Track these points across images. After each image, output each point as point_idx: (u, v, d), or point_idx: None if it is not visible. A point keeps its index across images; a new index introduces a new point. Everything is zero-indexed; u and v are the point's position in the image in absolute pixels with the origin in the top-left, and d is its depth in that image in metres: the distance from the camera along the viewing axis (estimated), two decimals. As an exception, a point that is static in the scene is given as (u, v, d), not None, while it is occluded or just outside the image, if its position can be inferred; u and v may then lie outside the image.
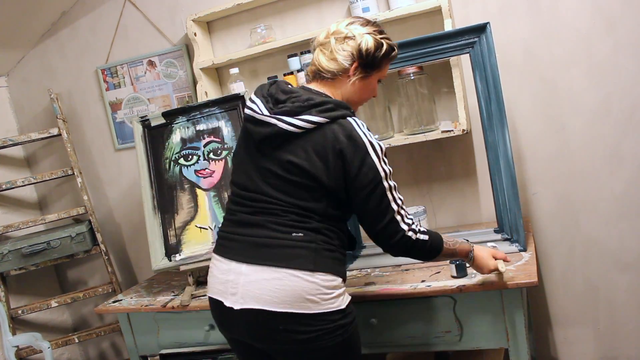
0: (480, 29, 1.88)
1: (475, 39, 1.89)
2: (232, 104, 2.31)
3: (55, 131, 2.83)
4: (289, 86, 1.56)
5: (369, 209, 1.49)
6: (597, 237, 2.22)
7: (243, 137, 1.60)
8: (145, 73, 2.78)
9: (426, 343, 1.81)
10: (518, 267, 1.75)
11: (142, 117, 2.35)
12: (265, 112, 1.49)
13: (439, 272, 1.85)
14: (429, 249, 1.55)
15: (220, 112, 2.31)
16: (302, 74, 2.34)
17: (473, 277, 1.74)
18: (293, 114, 1.46)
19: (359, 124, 1.48)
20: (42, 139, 2.87)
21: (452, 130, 2.13)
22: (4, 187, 2.79)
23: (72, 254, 2.81)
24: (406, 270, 1.95)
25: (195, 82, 2.60)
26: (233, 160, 1.66)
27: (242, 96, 2.29)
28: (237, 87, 2.40)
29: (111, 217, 3.03)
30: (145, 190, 2.27)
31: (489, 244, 1.93)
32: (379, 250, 2.07)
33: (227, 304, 1.48)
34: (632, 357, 2.27)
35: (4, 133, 3.01)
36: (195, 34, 2.49)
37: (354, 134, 1.46)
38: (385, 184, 1.47)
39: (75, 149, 2.92)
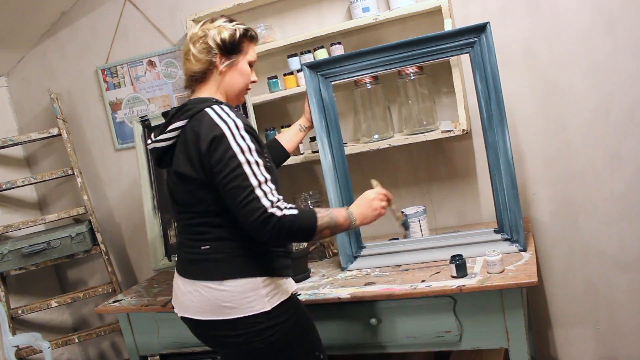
0: (480, 29, 1.88)
1: (475, 39, 1.89)
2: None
3: (55, 131, 2.83)
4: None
5: (228, 189, 1.43)
6: (597, 237, 2.22)
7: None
8: (145, 73, 2.78)
9: (426, 343, 1.81)
10: (518, 267, 1.75)
11: (142, 117, 2.35)
12: (150, 140, 1.63)
13: (438, 272, 1.85)
14: (301, 226, 1.45)
15: (220, 112, 2.31)
16: (302, 74, 2.34)
17: (473, 277, 1.74)
18: (163, 130, 1.57)
19: (215, 110, 1.50)
20: (42, 139, 2.87)
21: (452, 130, 2.13)
22: (4, 187, 2.79)
23: (72, 254, 2.81)
24: (406, 270, 1.95)
25: (195, 82, 2.60)
26: None
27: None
28: (237, 87, 2.40)
29: (111, 217, 3.03)
30: (145, 190, 2.27)
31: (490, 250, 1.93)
32: (379, 250, 2.09)
33: (176, 310, 1.67)
34: (632, 357, 2.26)
35: (4, 133, 3.01)
36: (195, 34, 2.49)
37: (207, 119, 1.48)
38: (241, 157, 1.43)
39: (75, 149, 2.92)
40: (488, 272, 1.73)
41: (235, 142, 1.44)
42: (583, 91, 2.15)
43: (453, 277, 1.77)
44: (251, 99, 2.34)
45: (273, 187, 1.45)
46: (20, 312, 2.80)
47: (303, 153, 2.40)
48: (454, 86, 2.12)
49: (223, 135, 1.44)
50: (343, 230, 1.57)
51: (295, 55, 2.35)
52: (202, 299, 1.53)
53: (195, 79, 1.60)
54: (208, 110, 1.50)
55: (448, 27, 2.09)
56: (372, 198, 1.61)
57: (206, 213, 1.53)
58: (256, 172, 1.44)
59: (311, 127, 2.06)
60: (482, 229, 2.07)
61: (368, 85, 2.26)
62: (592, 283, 2.27)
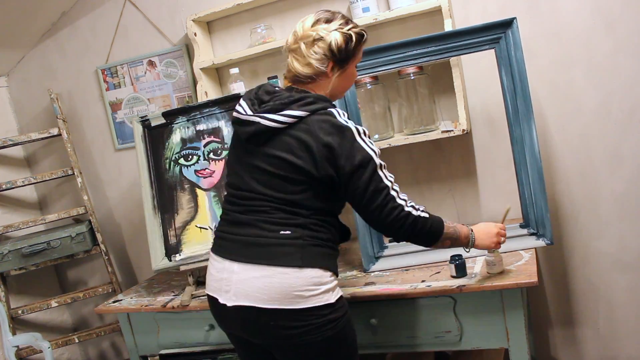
0: (507, 24, 1.89)
1: (501, 34, 1.90)
2: (232, 104, 2.30)
3: (55, 131, 2.83)
4: (274, 87, 1.60)
5: (363, 190, 1.49)
6: (597, 237, 2.22)
7: (233, 140, 1.67)
8: (145, 73, 2.78)
9: (426, 343, 1.81)
10: (518, 267, 1.75)
11: (142, 117, 2.35)
12: (250, 112, 1.55)
13: (439, 272, 1.85)
14: (430, 228, 1.54)
15: (220, 112, 2.31)
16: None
17: (473, 277, 1.74)
18: (275, 111, 1.51)
19: (339, 113, 1.53)
20: (42, 139, 2.87)
21: (452, 130, 2.13)
22: (4, 187, 2.79)
23: (72, 254, 2.81)
24: (406, 270, 1.95)
25: (195, 82, 2.60)
26: (226, 162, 1.72)
27: (242, 96, 2.29)
28: (237, 87, 2.40)
29: (111, 217, 3.03)
30: (145, 190, 2.27)
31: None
32: (402, 249, 2.05)
33: (222, 300, 1.54)
34: (632, 357, 2.27)
35: (4, 133, 3.01)
36: (195, 34, 2.49)
37: (336, 121, 1.50)
38: (377, 161, 1.50)
39: (75, 149, 2.92)
40: (488, 272, 1.74)
41: (369, 148, 1.50)
42: (583, 91, 2.15)
43: (453, 277, 1.77)
44: (251, 99, 2.33)
45: (398, 187, 1.54)
46: (20, 312, 2.80)
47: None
48: (454, 86, 2.12)
49: (359, 142, 1.49)
50: (459, 246, 1.63)
51: (295, 55, 2.35)
52: (273, 285, 1.47)
53: (301, 80, 1.57)
54: (333, 111, 1.52)
55: (448, 27, 2.09)
56: (495, 232, 1.68)
57: (299, 203, 1.51)
58: (387, 175, 1.52)
59: None
60: (507, 225, 2.03)
61: (368, 85, 2.26)
62: (592, 283, 2.27)
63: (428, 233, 1.55)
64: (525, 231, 1.96)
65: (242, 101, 1.61)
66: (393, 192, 1.51)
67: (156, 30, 2.72)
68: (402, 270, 1.96)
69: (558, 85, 2.17)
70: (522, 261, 1.80)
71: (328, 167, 1.48)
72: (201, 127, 2.32)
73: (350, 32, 1.54)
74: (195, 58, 2.52)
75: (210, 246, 1.67)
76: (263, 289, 1.47)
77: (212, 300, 1.59)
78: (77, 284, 3.19)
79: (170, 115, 2.33)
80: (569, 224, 2.25)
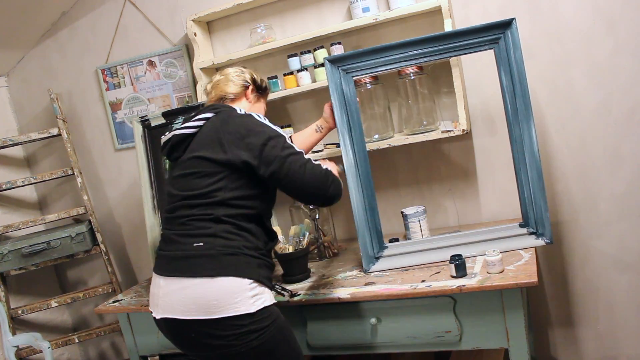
0: (506, 25, 1.89)
1: (500, 35, 1.90)
2: (232, 104, 2.31)
3: (55, 131, 2.83)
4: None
5: (280, 158, 1.58)
6: (597, 237, 2.22)
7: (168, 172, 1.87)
8: (145, 73, 2.78)
9: (426, 343, 1.81)
10: (518, 267, 1.75)
11: (142, 117, 2.35)
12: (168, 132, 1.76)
13: (439, 272, 1.85)
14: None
15: (220, 112, 2.31)
16: (302, 74, 2.34)
17: (473, 277, 1.74)
18: (189, 120, 1.71)
19: (238, 108, 1.73)
20: (42, 139, 2.87)
21: (452, 130, 2.13)
22: (4, 187, 2.79)
23: (72, 254, 2.81)
24: (406, 270, 1.95)
25: (195, 82, 2.60)
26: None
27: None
28: (237, 87, 2.40)
29: (111, 217, 3.03)
30: (145, 190, 2.27)
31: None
32: (402, 249, 2.05)
33: (154, 314, 1.65)
34: (632, 357, 2.27)
35: (4, 133, 3.01)
36: (195, 34, 2.49)
37: (235, 112, 1.70)
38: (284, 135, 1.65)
39: (75, 149, 2.92)
40: (488, 272, 1.74)
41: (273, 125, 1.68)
42: (583, 91, 2.15)
43: (452, 277, 1.77)
44: (251, 99, 2.33)
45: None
46: (20, 312, 2.80)
47: (322, 150, 2.38)
48: (454, 86, 2.12)
49: (259, 123, 1.67)
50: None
51: (295, 55, 2.35)
52: (189, 297, 1.53)
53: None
54: (235, 108, 1.74)
55: (448, 27, 2.09)
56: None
57: (212, 205, 1.58)
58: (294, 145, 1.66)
59: (331, 128, 2.05)
60: (506, 225, 2.03)
61: (368, 85, 2.26)
62: (592, 283, 2.27)
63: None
64: (524, 230, 1.96)
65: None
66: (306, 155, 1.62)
67: (156, 30, 2.72)
68: (402, 270, 1.95)
69: (558, 85, 2.17)
70: (522, 261, 1.80)
71: (238, 148, 1.59)
72: (201, 127, 2.32)
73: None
74: (195, 58, 2.52)
75: None
76: (181, 300, 1.54)
77: (151, 315, 1.68)
78: (77, 284, 3.19)
79: (170, 115, 2.33)
80: (569, 223, 2.25)
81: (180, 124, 1.82)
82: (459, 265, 1.76)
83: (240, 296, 1.52)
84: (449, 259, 1.80)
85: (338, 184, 1.64)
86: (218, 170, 1.59)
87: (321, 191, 1.59)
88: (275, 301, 1.64)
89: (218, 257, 1.54)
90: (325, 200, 1.62)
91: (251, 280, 1.55)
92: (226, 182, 1.58)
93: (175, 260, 1.59)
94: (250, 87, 1.85)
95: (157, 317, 1.62)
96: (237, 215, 1.59)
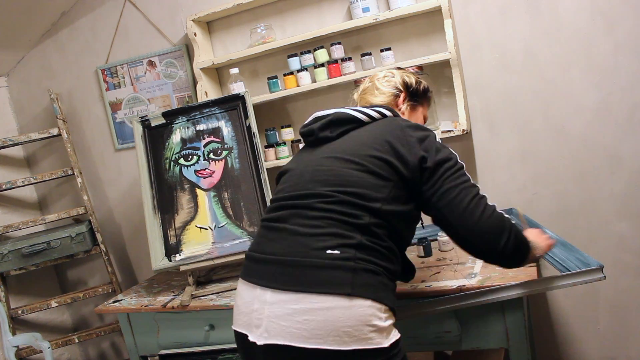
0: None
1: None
2: (232, 104, 2.31)
3: (55, 131, 2.83)
4: None
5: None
6: (597, 237, 2.22)
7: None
8: (145, 73, 2.78)
9: (426, 343, 1.81)
10: (518, 267, 1.74)
11: (142, 117, 2.35)
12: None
13: (439, 272, 1.85)
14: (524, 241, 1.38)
15: (220, 112, 2.31)
16: (302, 74, 2.34)
17: (473, 277, 1.74)
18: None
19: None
20: (42, 139, 2.87)
21: (452, 130, 2.13)
22: (4, 187, 2.79)
23: (72, 254, 2.81)
24: (406, 270, 1.95)
25: (195, 82, 2.60)
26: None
27: (242, 96, 2.29)
28: (237, 87, 2.40)
29: (111, 217, 3.03)
30: (145, 190, 2.27)
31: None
32: None
33: (250, 337, 1.27)
34: (632, 357, 2.27)
35: (4, 133, 3.01)
36: (195, 34, 2.49)
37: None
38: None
39: (75, 149, 2.92)
40: (440, 250, 2.03)
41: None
42: (583, 91, 2.15)
43: (420, 256, 2.02)
44: (251, 99, 2.34)
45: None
46: (20, 312, 2.80)
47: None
48: (454, 86, 2.12)
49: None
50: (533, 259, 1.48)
51: (295, 55, 2.35)
52: (317, 319, 1.17)
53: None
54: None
55: (448, 27, 2.09)
56: (542, 236, 1.53)
57: (363, 208, 1.27)
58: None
59: None
60: None
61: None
62: (592, 283, 2.26)
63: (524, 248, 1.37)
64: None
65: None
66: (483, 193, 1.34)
67: (156, 30, 2.72)
68: (402, 270, 1.96)
69: (558, 85, 2.17)
70: (522, 261, 1.80)
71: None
72: (201, 127, 2.32)
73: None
74: (195, 58, 2.52)
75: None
76: (302, 322, 1.19)
77: (241, 337, 1.31)
78: (77, 284, 3.19)
79: (170, 115, 2.34)
80: (569, 224, 2.25)
81: None
82: (426, 247, 2.03)
83: (375, 326, 1.19)
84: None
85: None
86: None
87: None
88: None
89: (358, 272, 1.21)
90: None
91: (386, 307, 1.23)
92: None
93: (293, 267, 1.23)
94: (403, 95, 1.58)
95: (258, 343, 1.23)
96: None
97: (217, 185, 2.26)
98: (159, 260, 2.18)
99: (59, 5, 2.82)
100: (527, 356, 1.70)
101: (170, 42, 2.71)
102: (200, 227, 2.23)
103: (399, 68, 1.68)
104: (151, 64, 2.76)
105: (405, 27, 2.30)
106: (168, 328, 2.17)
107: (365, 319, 1.18)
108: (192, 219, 2.24)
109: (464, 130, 2.11)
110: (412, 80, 1.59)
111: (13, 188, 2.83)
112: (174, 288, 2.32)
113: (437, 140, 1.39)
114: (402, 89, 1.57)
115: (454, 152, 1.39)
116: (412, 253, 2.04)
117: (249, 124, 2.27)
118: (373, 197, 1.27)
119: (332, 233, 1.24)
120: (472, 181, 1.36)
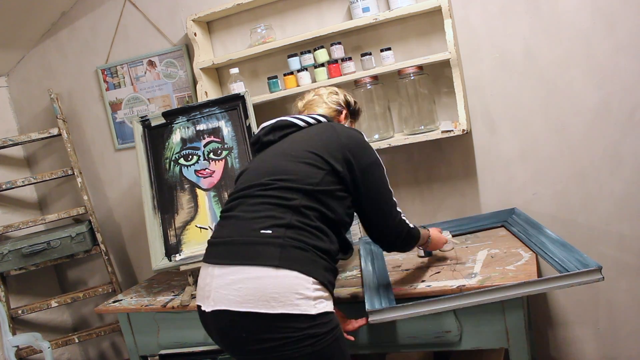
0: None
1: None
2: (232, 104, 2.31)
3: (55, 131, 2.83)
4: None
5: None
6: (597, 237, 2.22)
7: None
8: (145, 73, 2.78)
9: (426, 343, 1.81)
10: (518, 267, 1.75)
11: (142, 117, 2.35)
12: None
13: (439, 272, 1.85)
14: (415, 236, 1.70)
15: (220, 112, 2.31)
16: (302, 74, 2.34)
17: (473, 277, 1.74)
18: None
19: None
20: (42, 139, 2.87)
21: (452, 130, 2.13)
22: (4, 187, 2.79)
23: (72, 254, 2.81)
24: (406, 270, 1.95)
25: (195, 82, 2.60)
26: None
27: (242, 96, 2.29)
28: (237, 87, 2.40)
29: (111, 217, 3.03)
30: (145, 190, 2.27)
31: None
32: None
33: (203, 307, 1.48)
34: (632, 357, 2.26)
35: (4, 133, 3.01)
36: (195, 34, 2.49)
37: None
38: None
39: (75, 149, 2.92)
40: (440, 250, 2.01)
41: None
42: (583, 91, 2.15)
43: (420, 256, 2.01)
44: (251, 99, 2.34)
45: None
46: (20, 312, 2.80)
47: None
48: (454, 86, 2.12)
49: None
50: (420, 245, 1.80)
51: (295, 55, 2.35)
52: (248, 286, 1.37)
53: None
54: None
55: (448, 27, 2.09)
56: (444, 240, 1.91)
57: (296, 191, 1.46)
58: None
59: None
60: None
61: (368, 85, 2.26)
62: (592, 283, 2.26)
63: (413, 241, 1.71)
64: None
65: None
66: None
67: (156, 30, 2.72)
68: (402, 270, 1.95)
69: (558, 85, 2.17)
70: (522, 261, 1.80)
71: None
72: (201, 127, 2.32)
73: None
74: (195, 58, 2.52)
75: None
76: (238, 290, 1.39)
77: (198, 309, 1.52)
78: (77, 284, 3.19)
79: (170, 115, 2.34)
80: (569, 224, 2.25)
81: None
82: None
83: (301, 295, 1.37)
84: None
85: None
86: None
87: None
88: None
89: (285, 247, 1.40)
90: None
91: (315, 280, 1.40)
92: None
93: (235, 245, 1.45)
94: (345, 112, 1.80)
95: (207, 310, 1.45)
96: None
97: (217, 185, 2.26)
98: (159, 260, 2.18)
99: (59, 5, 2.82)
100: (527, 356, 1.70)
101: (170, 42, 2.71)
102: (201, 227, 2.23)
103: (338, 87, 1.87)
104: (151, 63, 2.76)
105: (405, 27, 2.30)
106: (168, 328, 2.17)
107: (292, 288, 1.37)
108: (192, 218, 2.24)
109: (464, 130, 2.11)
110: (351, 100, 1.82)
111: (13, 188, 2.83)
112: (174, 288, 2.32)
113: (366, 140, 1.62)
114: (344, 106, 1.79)
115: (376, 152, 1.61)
116: (412, 253, 2.04)
117: (249, 124, 2.27)
118: (306, 181, 1.48)
119: (267, 216, 1.45)
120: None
